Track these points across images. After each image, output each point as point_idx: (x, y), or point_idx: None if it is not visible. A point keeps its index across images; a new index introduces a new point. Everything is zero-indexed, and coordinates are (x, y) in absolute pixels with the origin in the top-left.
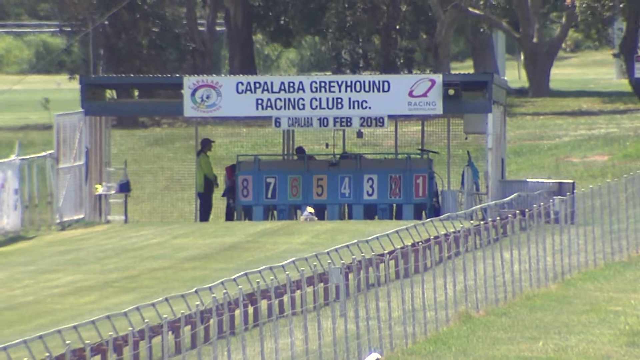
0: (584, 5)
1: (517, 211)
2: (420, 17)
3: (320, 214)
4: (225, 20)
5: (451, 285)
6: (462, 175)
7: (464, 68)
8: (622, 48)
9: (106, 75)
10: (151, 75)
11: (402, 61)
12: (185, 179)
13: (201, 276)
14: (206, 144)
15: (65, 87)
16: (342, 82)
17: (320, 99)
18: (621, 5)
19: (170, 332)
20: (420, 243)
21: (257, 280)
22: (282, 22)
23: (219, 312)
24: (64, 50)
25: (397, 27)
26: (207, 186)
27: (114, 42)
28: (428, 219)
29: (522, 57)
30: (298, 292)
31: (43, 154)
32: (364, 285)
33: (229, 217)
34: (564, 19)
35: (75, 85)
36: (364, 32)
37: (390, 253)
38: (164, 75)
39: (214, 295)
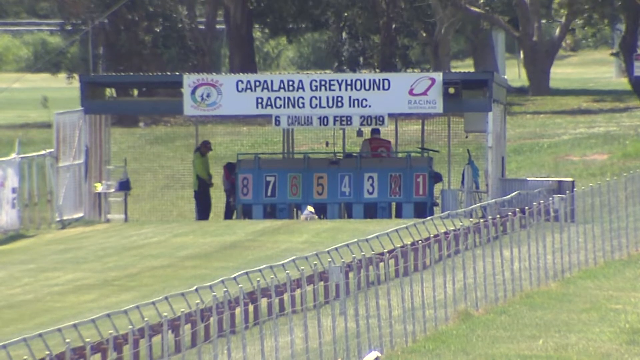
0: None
1: (517, 209)
2: (420, 14)
3: (320, 212)
4: (225, 19)
5: (451, 283)
6: (463, 174)
7: (465, 67)
8: (621, 47)
9: (106, 73)
10: (151, 74)
11: (397, 60)
12: (185, 177)
13: (201, 275)
14: (203, 146)
15: (72, 84)
16: (342, 80)
17: (320, 97)
18: (619, 3)
19: (170, 331)
20: (420, 242)
21: (258, 278)
22: (281, 19)
23: (219, 310)
24: (60, 51)
25: (394, 26)
26: (202, 185)
27: (114, 40)
28: (428, 218)
29: (522, 55)
30: (298, 290)
31: (43, 152)
32: (364, 283)
33: (228, 215)
34: (563, 19)
35: (75, 83)
36: (363, 31)
37: (390, 252)
38: (164, 74)
39: (214, 293)
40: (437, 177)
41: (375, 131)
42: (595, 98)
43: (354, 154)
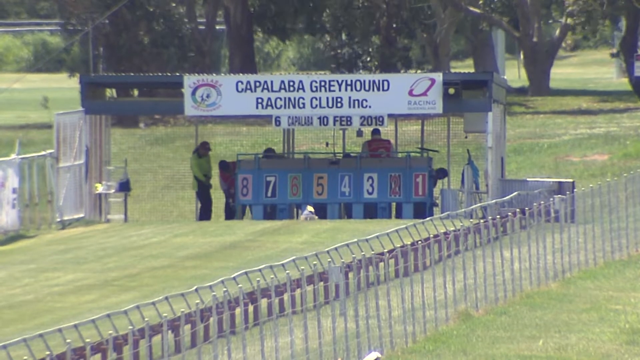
0: (580, 4)
1: (517, 210)
2: (420, 14)
3: (320, 212)
4: (225, 19)
5: (451, 284)
6: (462, 174)
7: (464, 67)
8: (621, 47)
9: (106, 74)
10: (151, 74)
11: (396, 59)
12: (186, 177)
13: (201, 275)
14: (201, 147)
15: (74, 84)
16: (342, 81)
17: (320, 97)
18: (619, 4)
19: (170, 331)
20: (419, 242)
21: (257, 278)
22: (280, 20)
23: (219, 310)
24: (63, 49)
25: (394, 25)
26: (201, 186)
27: (114, 40)
28: (428, 218)
29: (522, 56)
30: (298, 290)
31: (43, 152)
32: (364, 284)
33: (229, 216)
34: (563, 19)
35: (75, 83)
36: (361, 32)
37: (390, 252)
38: (164, 74)
39: (214, 293)
40: (441, 173)
41: (375, 131)
42: (596, 98)
43: (352, 154)
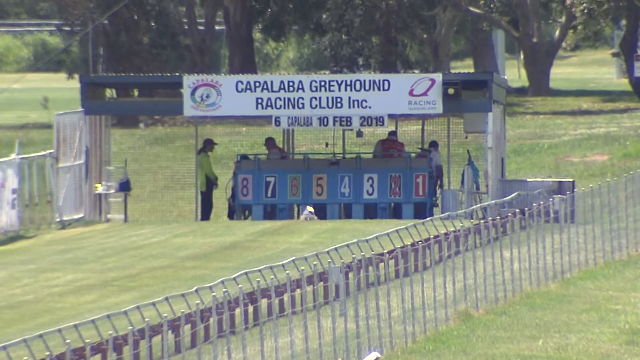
0: (582, 7)
1: (517, 210)
2: (421, 14)
3: (320, 213)
4: (224, 19)
5: (451, 284)
6: (462, 175)
7: (464, 67)
8: (622, 47)
9: (106, 74)
10: (151, 75)
11: (396, 59)
12: (185, 178)
13: (201, 275)
14: (207, 144)
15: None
16: (342, 81)
17: (320, 98)
18: (621, 4)
19: (170, 331)
20: (420, 242)
21: (257, 279)
22: (279, 20)
23: (219, 311)
24: (63, 49)
25: (395, 24)
26: (209, 185)
27: (114, 40)
28: (428, 218)
29: (522, 56)
30: (298, 291)
31: (43, 153)
32: (364, 284)
33: (232, 216)
34: (563, 19)
35: (75, 84)
36: (361, 32)
37: (390, 252)
38: (164, 75)
39: (214, 294)
40: (433, 144)
41: (392, 133)
42: (596, 99)
43: (336, 157)
